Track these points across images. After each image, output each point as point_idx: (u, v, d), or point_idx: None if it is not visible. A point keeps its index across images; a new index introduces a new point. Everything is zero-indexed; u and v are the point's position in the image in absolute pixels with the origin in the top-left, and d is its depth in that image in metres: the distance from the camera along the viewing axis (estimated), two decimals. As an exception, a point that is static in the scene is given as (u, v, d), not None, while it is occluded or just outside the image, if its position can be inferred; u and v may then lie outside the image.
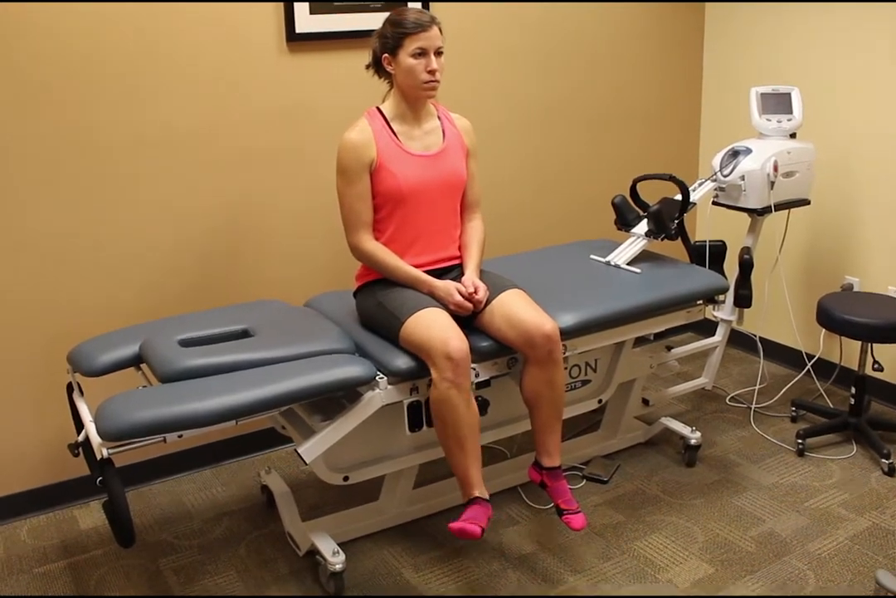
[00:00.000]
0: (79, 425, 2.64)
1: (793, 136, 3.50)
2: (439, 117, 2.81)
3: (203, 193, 3.16)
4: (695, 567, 2.79)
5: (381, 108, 2.73)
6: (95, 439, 2.31)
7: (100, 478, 2.35)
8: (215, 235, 3.23)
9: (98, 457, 2.31)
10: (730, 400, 3.90)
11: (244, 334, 2.69)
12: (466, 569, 2.80)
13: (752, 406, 3.80)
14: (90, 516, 3.17)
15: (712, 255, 3.35)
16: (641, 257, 3.28)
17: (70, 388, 2.72)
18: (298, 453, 2.54)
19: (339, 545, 2.73)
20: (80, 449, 2.58)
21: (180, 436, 2.35)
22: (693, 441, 3.34)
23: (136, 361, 2.62)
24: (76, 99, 2.89)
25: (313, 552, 2.78)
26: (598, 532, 2.98)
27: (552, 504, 2.78)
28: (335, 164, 2.69)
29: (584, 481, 3.28)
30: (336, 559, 2.65)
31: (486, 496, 2.59)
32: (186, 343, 2.58)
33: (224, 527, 3.07)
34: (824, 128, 3.76)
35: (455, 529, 2.47)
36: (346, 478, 2.73)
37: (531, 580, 2.75)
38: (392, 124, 2.70)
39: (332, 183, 2.77)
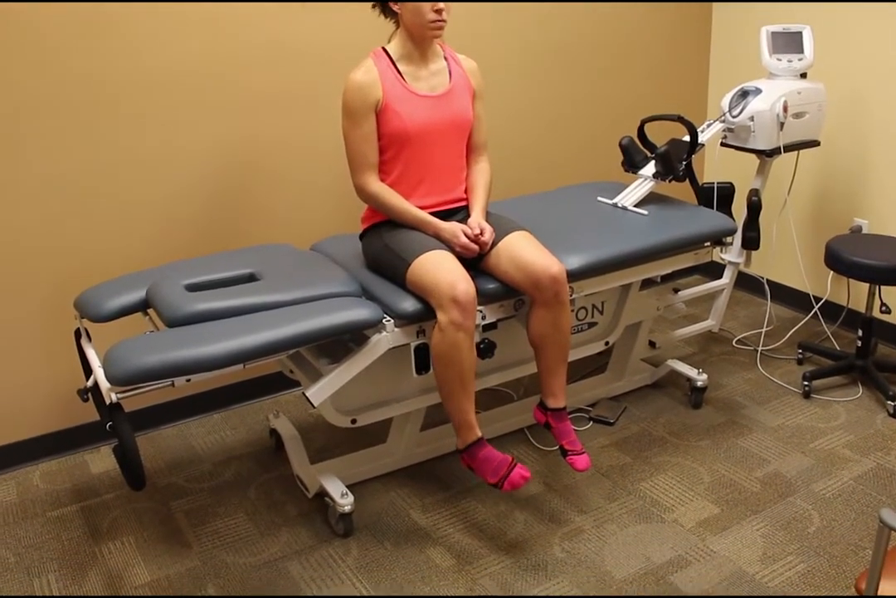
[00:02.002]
0: (87, 370, 2.65)
1: (803, 76, 3.45)
2: (445, 58, 2.77)
3: (209, 137, 3.14)
4: (700, 507, 2.81)
5: (387, 48, 2.70)
6: (104, 385, 2.32)
7: (109, 423, 2.36)
8: (221, 180, 3.22)
9: (107, 402, 2.32)
10: (736, 342, 3.90)
11: (250, 278, 2.69)
12: (473, 510, 2.83)
13: (759, 348, 3.81)
14: (101, 460, 3.20)
15: (720, 197, 3.33)
16: (649, 199, 3.26)
17: (78, 334, 2.73)
18: (306, 397, 2.56)
19: (347, 487, 2.75)
20: (90, 395, 2.59)
21: (188, 380, 2.36)
22: (699, 383, 3.35)
23: (142, 306, 2.62)
24: (79, 44, 2.85)
25: (322, 495, 2.81)
26: (605, 473, 3.01)
27: (557, 446, 2.80)
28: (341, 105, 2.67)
29: (591, 423, 3.30)
30: (345, 501, 2.68)
31: (480, 435, 2.62)
32: (193, 288, 2.58)
33: (233, 470, 3.11)
34: (836, 68, 3.71)
35: (513, 487, 2.54)
36: (353, 421, 2.75)
37: (538, 520, 2.78)
38: (398, 65, 2.67)
39: (338, 125, 2.75)
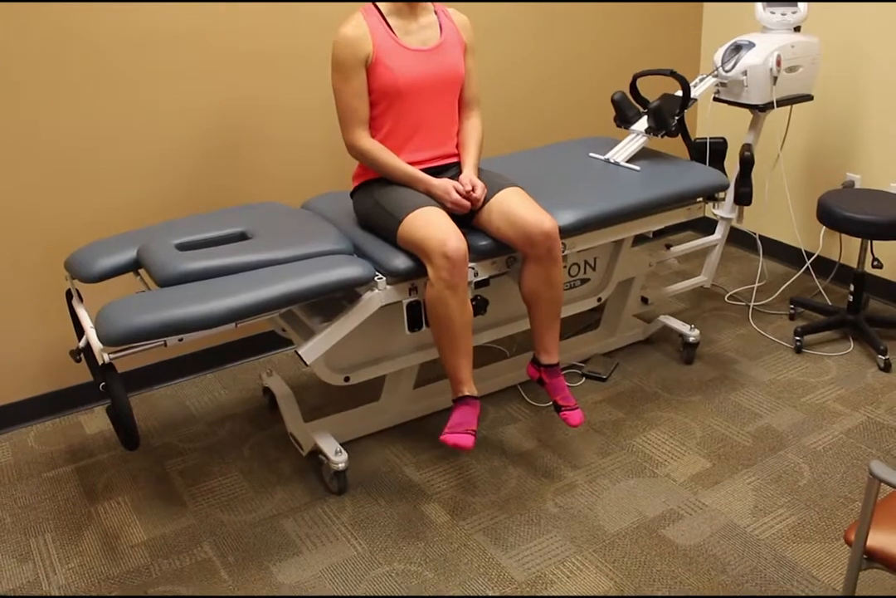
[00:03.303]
0: (79, 331, 2.65)
1: (797, 29, 3.42)
2: (436, 12, 2.74)
3: (199, 96, 3.11)
4: (692, 462, 2.84)
5: (377, 3, 2.66)
6: (96, 345, 2.32)
7: (102, 383, 2.37)
8: (212, 138, 3.19)
9: (100, 362, 2.32)
10: (728, 298, 3.91)
11: (241, 236, 2.68)
12: (467, 466, 2.85)
13: (751, 304, 3.82)
14: (95, 421, 3.21)
15: (713, 152, 3.31)
16: (641, 155, 3.25)
17: (69, 294, 2.73)
18: (299, 355, 2.56)
19: (341, 444, 2.77)
20: (82, 355, 2.60)
21: (181, 340, 2.36)
22: (692, 339, 3.36)
23: (134, 266, 2.61)
24: (67, 3, 2.82)
25: (316, 452, 2.83)
26: (597, 429, 3.03)
27: (550, 402, 2.81)
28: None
29: (584, 379, 3.32)
30: (339, 459, 2.70)
31: (475, 394, 2.62)
32: (184, 247, 2.57)
33: (227, 429, 3.12)
34: (830, 21, 3.67)
35: (446, 441, 2.53)
36: (346, 379, 2.76)
37: (531, 475, 2.80)
38: (388, 19, 2.64)
39: (328, 82, 2.72)
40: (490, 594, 2.36)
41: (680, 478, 2.77)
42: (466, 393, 2.61)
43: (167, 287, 2.39)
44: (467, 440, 2.53)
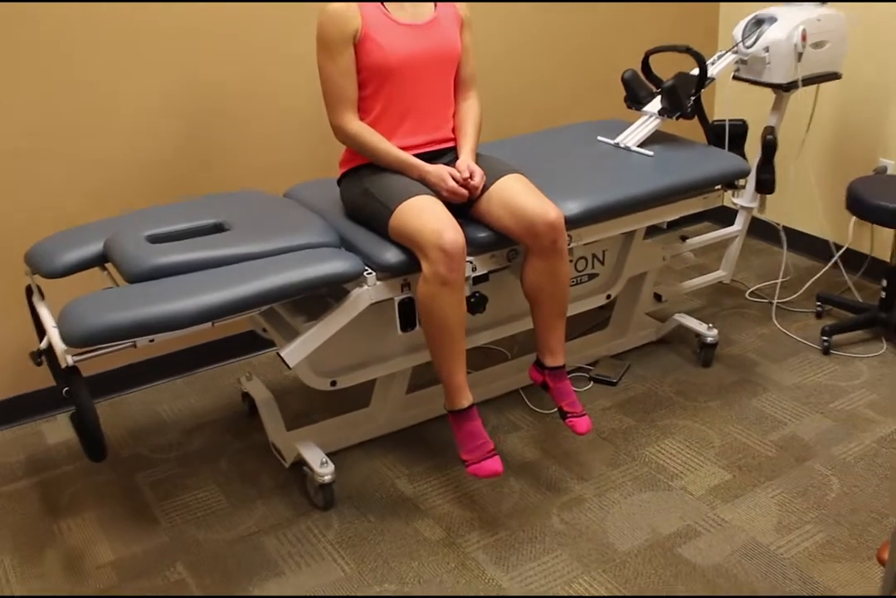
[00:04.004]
0: (41, 331, 2.64)
1: (823, 1, 3.42)
2: (429, -17, 2.74)
3: (170, 73, 3.10)
4: (710, 474, 2.84)
5: (364, -28, 2.66)
6: (59, 346, 2.31)
7: (66, 388, 2.36)
8: (185, 121, 3.18)
9: (63, 365, 2.32)
10: (750, 295, 3.91)
11: (218, 227, 2.67)
12: (465, 479, 2.85)
13: (774, 301, 3.82)
14: (58, 429, 3.20)
15: (732, 135, 3.31)
16: (654, 139, 3.25)
17: (29, 291, 2.72)
18: (281, 357, 2.55)
19: (327, 455, 2.76)
20: (43, 358, 2.59)
21: (152, 341, 2.36)
22: (709, 339, 3.36)
23: (100, 260, 2.60)
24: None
25: (300, 464, 2.82)
26: (607, 438, 3.02)
27: (555, 408, 2.81)
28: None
29: (592, 383, 3.32)
30: (324, 470, 2.69)
31: (471, 401, 2.62)
32: (155, 239, 2.56)
33: (203, 439, 3.11)
34: (859, -9, 3.68)
35: (480, 475, 2.56)
36: (333, 383, 2.76)
37: (535, 488, 2.80)
38: (377, -10, 2.64)
39: (313, 61, 2.71)
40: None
41: (697, 491, 2.77)
42: (466, 404, 2.61)
43: (137, 283, 2.38)
44: (497, 465, 2.56)
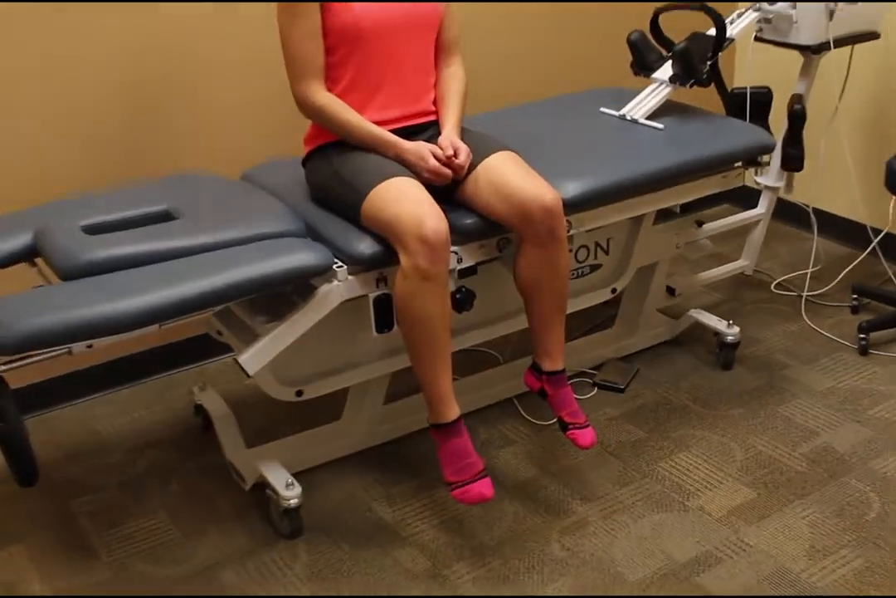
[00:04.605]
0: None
1: (857, -51, 3.44)
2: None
3: (109, 37, 3.09)
4: (732, 492, 2.85)
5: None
6: (-18, 354, 2.32)
7: (-10, 403, 2.36)
8: (125, 93, 3.18)
9: (-13, 375, 2.32)
10: (776, 287, 3.93)
11: (165, 216, 2.67)
12: (452, 501, 2.84)
13: (804, 294, 3.84)
14: (-18, 448, 3.20)
15: (754, 105, 3.32)
16: (665, 109, 3.26)
17: (-54, 290, 2.71)
18: (239, 364, 2.55)
19: (293, 475, 2.77)
20: (-37, 367, 2.59)
21: (90, 346, 2.36)
22: (730, 338, 3.38)
23: (29, 254, 2.60)
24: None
25: (262, 486, 2.82)
26: (613, 452, 3.04)
27: (555, 419, 2.82)
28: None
29: (596, 389, 3.34)
30: (290, 493, 2.70)
31: (458, 413, 2.63)
32: (93, 230, 2.56)
33: (150, 459, 3.12)
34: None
35: (467, 501, 2.56)
36: (299, 393, 2.77)
37: (531, 511, 2.82)
38: (346, -58, 2.64)
39: (272, 24, 2.71)
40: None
41: (717, 512, 2.78)
42: (452, 417, 2.62)
43: (72, 280, 2.38)
44: (487, 488, 2.55)
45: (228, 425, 2.93)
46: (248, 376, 2.57)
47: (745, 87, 3.33)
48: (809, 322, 3.67)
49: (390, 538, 2.75)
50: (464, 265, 2.75)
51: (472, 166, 2.69)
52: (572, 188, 2.79)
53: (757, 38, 3.49)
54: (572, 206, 2.78)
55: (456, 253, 2.71)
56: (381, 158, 2.67)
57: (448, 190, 2.72)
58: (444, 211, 2.55)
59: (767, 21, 3.42)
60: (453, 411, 2.61)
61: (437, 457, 2.62)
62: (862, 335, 3.46)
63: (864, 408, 3.19)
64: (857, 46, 3.55)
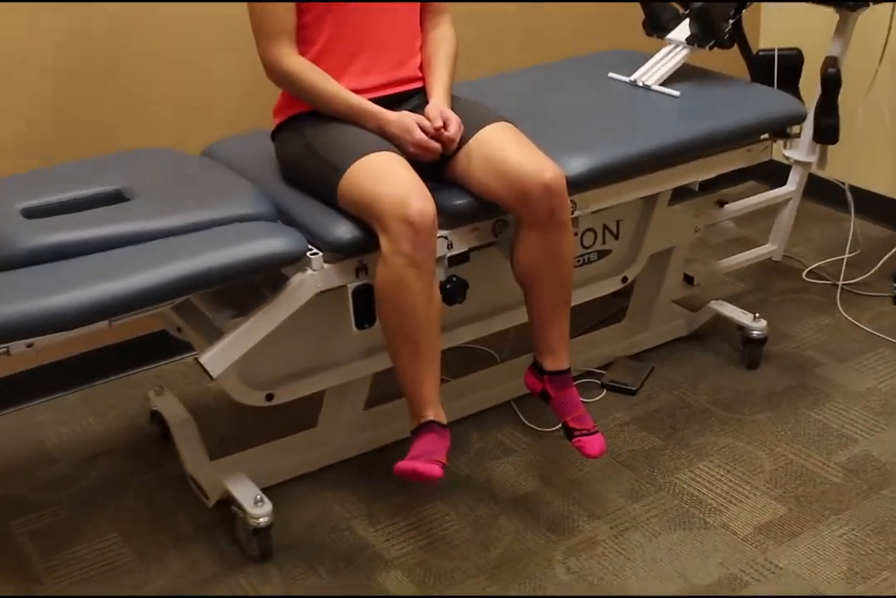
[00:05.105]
0: None
1: None
2: None
3: (50, 5, 3.09)
4: (760, 507, 2.86)
5: None
6: None
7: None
8: (72, 65, 3.17)
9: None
10: (808, 275, 3.94)
11: (117, 197, 2.66)
12: (442, 518, 2.86)
13: (840, 283, 3.85)
14: None
15: (783, 69, 3.32)
16: (681, 74, 3.26)
17: None
18: (201, 364, 2.55)
19: (263, 490, 2.76)
20: None
21: (30, 346, 2.35)
22: (756, 333, 3.38)
23: (-41, 241, 2.60)
24: None
25: (227, 502, 2.82)
26: (625, 462, 3.04)
27: (559, 424, 2.82)
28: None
29: (605, 391, 3.34)
30: (259, 511, 2.69)
31: (444, 421, 2.63)
32: (34, 213, 2.55)
33: (101, 472, 3.11)
34: None
35: (404, 470, 2.50)
36: (269, 397, 2.76)
37: (533, 529, 2.82)
38: None
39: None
40: None
41: (743, 530, 2.79)
42: (431, 417, 2.61)
43: (9, 271, 2.37)
44: (432, 469, 2.49)
45: (188, 434, 2.92)
46: (211, 378, 2.56)
47: (773, 49, 3.33)
48: (846, 314, 3.68)
49: (373, 561, 2.75)
50: (455, 252, 2.75)
51: (464, 139, 2.69)
52: (577, 164, 2.79)
53: (785, -6, 3.49)
54: (577, 184, 2.78)
55: (446, 238, 2.71)
56: (361, 130, 2.67)
57: (437, 166, 2.72)
58: (432, 190, 2.55)
59: (797, -27, 3.42)
60: (437, 415, 2.61)
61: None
62: (906, 329, 3.47)
63: (907, 411, 3.20)
64: (899, 2, 3.55)
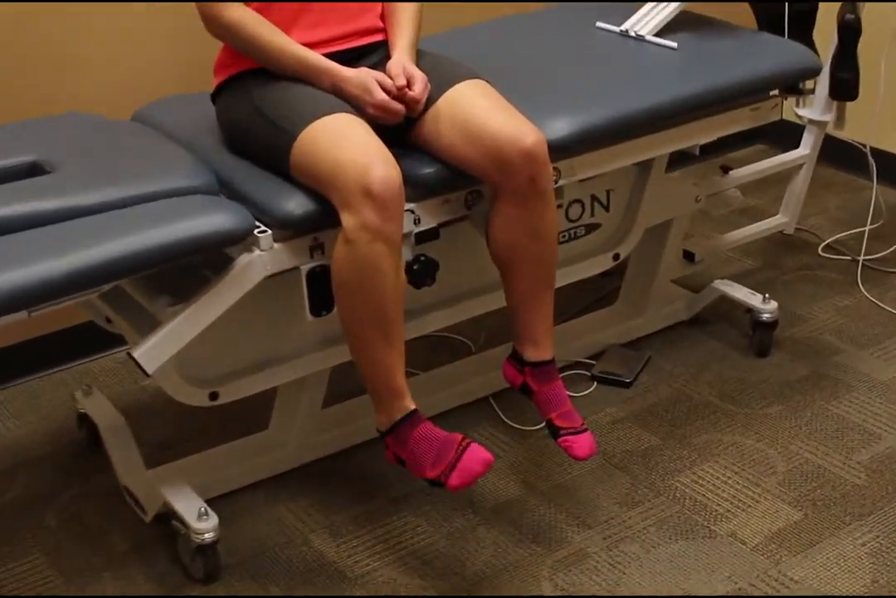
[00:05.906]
0: None
1: None
2: None
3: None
4: (772, 512, 2.88)
5: None
6: None
7: None
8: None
9: None
10: (824, 249, 3.96)
11: (32, 169, 2.66)
12: (412, 530, 2.87)
13: (860, 258, 3.87)
14: None
15: (794, 16, 3.33)
16: (679, 23, 3.26)
17: None
18: (134, 359, 2.54)
19: (207, 502, 2.77)
20: None
21: (-61, 339, 2.36)
22: (766, 316, 3.40)
23: None
24: None
25: (167, 516, 2.82)
26: (619, 464, 3.06)
27: (543, 422, 2.84)
28: None
29: (595, 384, 3.35)
30: (204, 526, 2.69)
31: (414, 406, 2.62)
32: (-63, 188, 2.56)
33: (20, 485, 3.11)
34: None
35: (463, 482, 2.48)
36: (213, 395, 2.76)
37: (516, 541, 2.83)
38: None
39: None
40: None
41: (753, 539, 2.81)
42: (414, 407, 2.60)
43: (-87, 255, 2.38)
44: (478, 461, 2.46)
45: (121, 440, 2.92)
46: (146, 374, 2.56)
47: (782, -7, 3.35)
48: (867, 294, 3.70)
49: (334, 580, 2.75)
50: (422, 227, 2.75)
51: (431, 99, 2.70)
52: (560, 126, 2.80)
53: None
54: (561, 149, 2.79)
55: (412, 212, 2.71)
56: (315, 89, 2.67)
57: (401, 130, 2.72)
58: (396, 157, 2.55)
59: None
60: (406, 407, 2.59)
61: (408, 470, 2.59)
62: (935, 310, 3.50)
63: (938, 403, 3.22)
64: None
